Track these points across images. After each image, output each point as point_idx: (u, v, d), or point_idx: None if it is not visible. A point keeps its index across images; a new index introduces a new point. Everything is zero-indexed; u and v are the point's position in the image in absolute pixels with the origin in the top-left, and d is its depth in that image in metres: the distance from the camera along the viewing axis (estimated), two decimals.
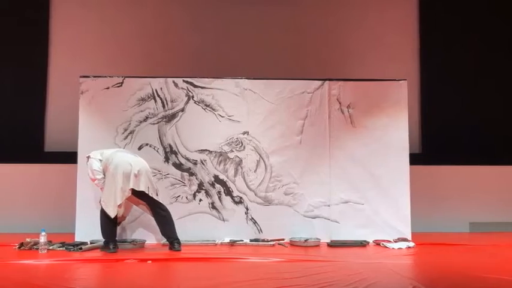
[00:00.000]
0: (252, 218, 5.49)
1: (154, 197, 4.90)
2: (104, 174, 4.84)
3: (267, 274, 3.84)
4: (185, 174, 5.50)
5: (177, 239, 4.89)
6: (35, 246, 4.79)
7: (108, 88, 5.51)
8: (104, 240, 4.83)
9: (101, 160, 4.88)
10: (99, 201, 4.87)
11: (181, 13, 6.75)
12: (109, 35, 6.65)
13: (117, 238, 4.95)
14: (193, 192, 5.49)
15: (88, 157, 4.95)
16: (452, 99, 6.78)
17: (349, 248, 5.16)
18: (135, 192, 4.85)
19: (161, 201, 5.00)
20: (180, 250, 4.81)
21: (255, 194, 5.52)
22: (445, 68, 6.83)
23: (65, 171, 5.89)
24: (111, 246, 4.71)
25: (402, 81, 5.68)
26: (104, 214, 4.78)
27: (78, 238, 5.22)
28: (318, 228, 5.47)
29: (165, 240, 5.01)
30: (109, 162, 4.83)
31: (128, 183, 4.74)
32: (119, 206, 4.78)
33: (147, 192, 4.83)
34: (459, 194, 6.54)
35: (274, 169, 5.54)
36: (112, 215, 4.73)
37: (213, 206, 5.49)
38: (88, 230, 5.19)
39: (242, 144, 5.56)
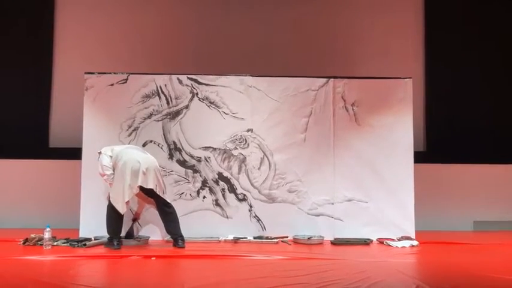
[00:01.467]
0: (256, 216, 5.50)
1: (161, 195, 4.91)
2: (114, 171, 4.85)
3: (270, 272, 3.84)
4: (189, 171, 5.50)
5: (181, 236, 4.90)
6: (39, 242, 4.81)
7: (112, 85, 5.51)
8: (108, 237, 4.85)
9: (111, 156, 4.89)
10: (107, 197, 4.89)
11: (186, 10, 6.75)
12: (114, 31, 6.67)
13: (124, 234, 4.99)
14: (197, 189, 5.50)
15: (99, 153, 4.95)
16: (457, 97, 6.77)
17: (353, 246, 5.16)
18: (142, 189, 4.87)
19: (167, 199, 5.01)
20: (183, 247, 4.82)
21: (259, 192, 5.53)
22: (450, 67, 6.81)
23: (70, 167, 5.91)
24: (115, 243, 4.73)
25: (407, 79, 5.67)
26: (110, 210, 4.79)
27: (82, 234, 5.25)
28: (321, 226, 5.47)
29: (169, 236, 5.03)
30: (118, 158, 4.85)
31: (136, 180, 4.75)
32: (127, 202, 4.80)
33: (155, 190, 4.85)
34: (463, 192, 6.54)
35: (278, 167, 5.54)
36: (122, 211, 4.75)
37: (216, 203, 5.50)
38: (92, 226, 5.22)
39: (246, 141, 5.56)
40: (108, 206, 4.83)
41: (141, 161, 4.82)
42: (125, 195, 4.73)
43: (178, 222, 4.96)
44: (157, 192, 4.87)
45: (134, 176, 4.75)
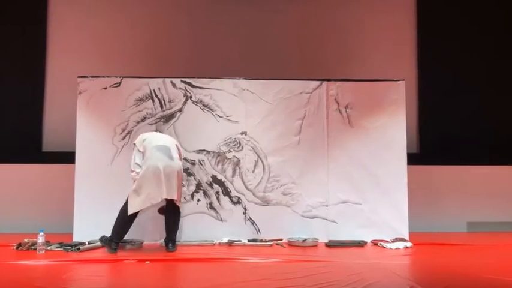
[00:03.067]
0: (250, 218, 5.50)
1: (177, 202, 4.85)
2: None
3: (265, 274, 3.85)
4: (183, 174, 5.49)
5: (172, 240, 4.87)
6: (33, 247, 4.79)
7: (106, 88, 5.50)
8: (109, 237, 4.77)
9: (140, 151, 4.87)
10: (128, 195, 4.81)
11: (179, 13, 6.75)
12: (107, 35, 6.65)
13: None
14: (191, 192, 5.49)
15: (134, 144, 4.96)
16: (450, 99, 6.81)
17: (347, 248, 5.17)
18: None
19: (179, 201, 4.94)
20: (172, 251, 4.79)
21: (253, 194, 5.53)
22: (443, 69, 6.85)
23: (63, 171, 5.88)
24: (113, 246, 4.68)
25: (400, 81, 5.70)
26: (123, 211, 4.74)
27: (76, 238, 5.21)
28: (316, 228, 5.48)
29: (163, 240, 5.00)
30: (144, 159, 4.80)
31: (157, 190, 4.67)
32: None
33: (176, 199, 4.79)
34: (457, 193, 6.56)
35: (273, 169, 5.55)
36: (129, 211, 4.69)
37: (211, 206, 5.50)
38: (86, 231, 5.20)
39: (240, 144, 5.56)
40: (122, 207, 4.79)
41: (162, 167, 4.70)
42: (143, 202, 4.69)
43: (176, 226, 4.92)
44: (177, 198, 4.83)
45: (156, 186, 4.67)
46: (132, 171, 4.87)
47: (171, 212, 4.91)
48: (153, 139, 4.95)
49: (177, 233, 5.01)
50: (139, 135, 5.11)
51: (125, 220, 4.76)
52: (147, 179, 4.71)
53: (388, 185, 5.54)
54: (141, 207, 4.73)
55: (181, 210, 5.04)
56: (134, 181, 4.82)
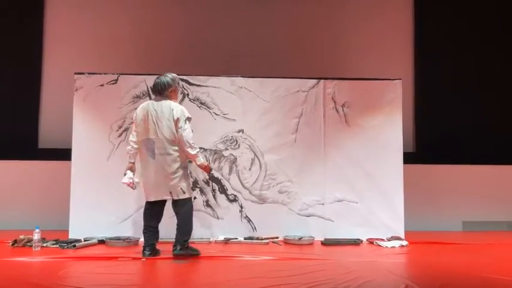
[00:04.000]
0: (247, 216, 5.50)
1: (177, 197, 4.44)
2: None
3: (261, 272, 3.85)
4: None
5: (179, 242, 4.41)
6: (28, 244, 4.78)
7: (102, 85, 5.49)
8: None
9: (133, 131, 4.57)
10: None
11: (176, 11, 6.74)
12: (104, 31, 6.64)
13: (113, 236, 5.01)
14: None
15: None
16: (446, 98, 6.83)
17: (343, 246, 5.18)
18: None
19: (186, 197, 4.47)
20: (175, 254, 4.40)
21: (250, 192, 5.53)
22: (439, 68, 6.87)
23: (59, 168, 5.87)
24: (145, 252, 4.39)
25: (397, 80, 5.71)
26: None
27: (72, 235, 5.21)
28: (312, 227, 5.50)
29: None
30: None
31: (152, 189, 4.45)
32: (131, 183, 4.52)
33: (169, 198, 4.46)
34: (452, 192, 6.57)
35: (269, 167, 5.55)
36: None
37: (207, 204, 5.50)
38: (82, 228, 5.20)
39: (237, 142, 5.56)
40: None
41: (149, 171, 4.42)
42: (147, 196, 4.52)
43: (182, 228, 4.44)
44: (172, 198, 4.47)
45: (151, 184, 4.46)
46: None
47: (176, 212, 4.50)
48: (144, 127, 4.44)
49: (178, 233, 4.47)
50: (137, 109, 4.65)
51: (145, 215, 4.51)
52: (143, 175, 4.60)
53: (384, 183, 5.55)
54: (147, 200, 4.53)
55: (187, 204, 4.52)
56: (127, 154, 4.56)
